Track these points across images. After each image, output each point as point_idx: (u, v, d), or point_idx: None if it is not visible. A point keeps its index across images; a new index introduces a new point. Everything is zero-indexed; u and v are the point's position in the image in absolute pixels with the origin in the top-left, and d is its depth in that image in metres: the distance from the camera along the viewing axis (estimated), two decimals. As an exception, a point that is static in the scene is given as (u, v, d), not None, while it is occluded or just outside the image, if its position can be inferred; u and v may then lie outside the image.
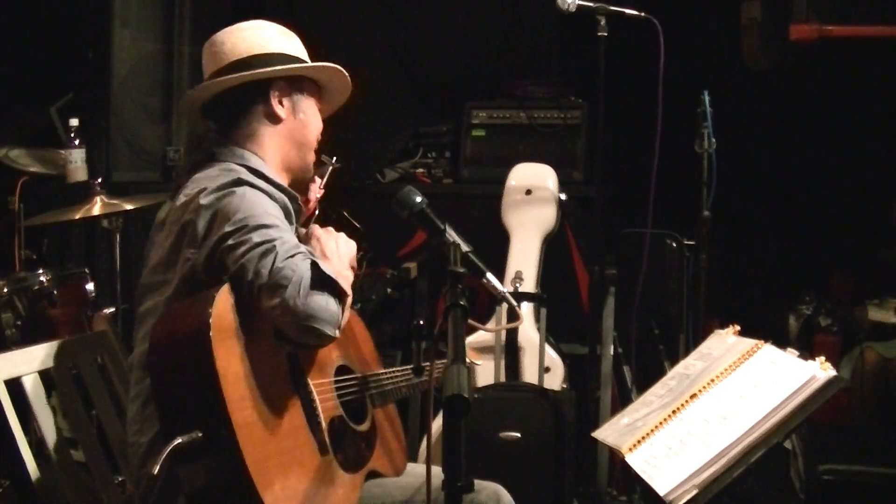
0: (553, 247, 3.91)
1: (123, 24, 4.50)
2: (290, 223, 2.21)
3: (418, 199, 2.21)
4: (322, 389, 2.21)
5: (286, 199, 2.22)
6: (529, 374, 3.62)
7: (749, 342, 2.22)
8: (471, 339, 3.62)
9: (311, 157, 2.39)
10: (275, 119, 2.30)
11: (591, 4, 3.39)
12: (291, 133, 2.32)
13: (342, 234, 2.31)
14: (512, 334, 3.64)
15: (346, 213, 4.46)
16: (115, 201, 3.76)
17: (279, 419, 2.03)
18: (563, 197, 3.87)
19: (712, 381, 2.14)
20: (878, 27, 3.79)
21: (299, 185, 2.38)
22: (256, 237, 2.02)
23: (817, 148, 4.43)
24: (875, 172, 4.35)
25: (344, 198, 4.64)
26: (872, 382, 3.96)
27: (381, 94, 4.82)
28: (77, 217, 3.74)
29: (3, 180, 4.28)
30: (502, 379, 3.61)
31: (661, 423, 2.10)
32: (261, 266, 1.99)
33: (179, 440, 1.90)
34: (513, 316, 3.31)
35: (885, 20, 3.78)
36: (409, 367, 2.48)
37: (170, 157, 4.58)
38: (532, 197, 3.87)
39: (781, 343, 2.21)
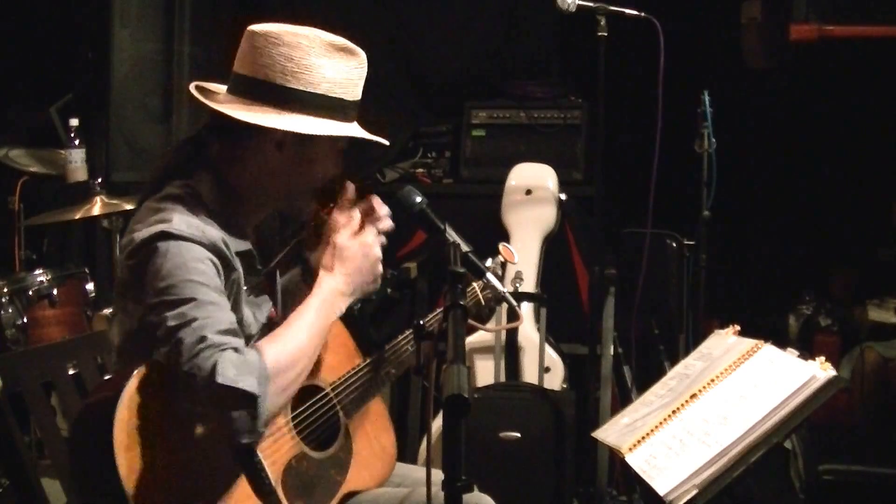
0: (553, 247, 3.91)
1: (123, 24, 4.51)
2: (231, 268, 2.04)
3: (418, 199, 2.21)
4: (274, 438, 2.08)
5: (219, 244, 2.00)
6: (529, 374, 3.62)
7: (749, 342, 2.22)
8: (471, 339, 3.62)
9: (303, 203, 2.19)
10: (269, 159, 2.10)
11: (591, 4, 3.38)
12: (286, 177, 2.12)
13: (369, 241, 2.14)
14: (512, 334, 3.64)
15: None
16: (115, 201, 3.77)
17: None
18: (563, 197, 3.87)
19: (712, 381, 2.14)
20: (878, 27, 3.79)
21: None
22: (171, 319, 1.89)
23: (817, 148, 4.43)
24: (875, 172, 4.35)
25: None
26: (872, 382, 3.96)
27: (381, 94, 4.82)
28: (77, 217, 3.75)
29: (3, 180, 4.29)
30: (502, 379, 3.61)
31: (661, 423, 2.10)
32: (176, 359, 1.87)
33: None
34: (513, 316, 3.30)
35: (885, 20, 3.78)
36: (403, 336, 2.37)
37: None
38: (532, 197, 3.87)
39: (781, 343, 2.20)
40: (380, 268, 2.17)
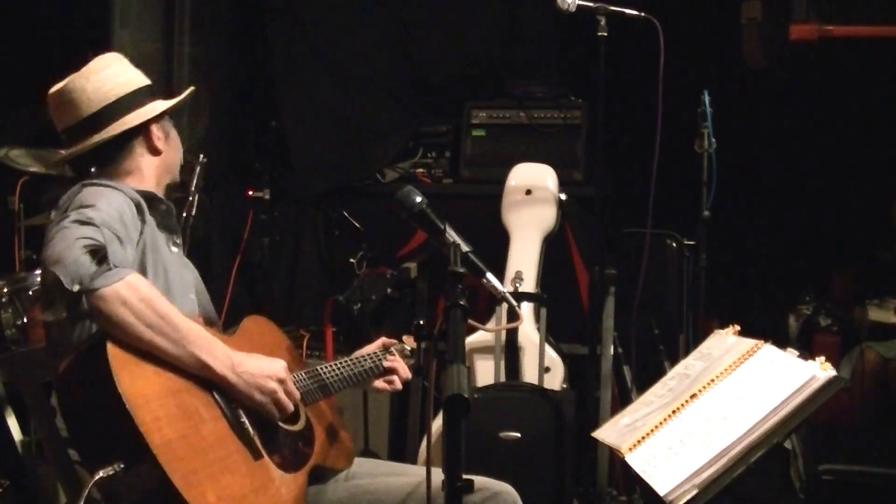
0: (553, 247, 3.91)
1: (123, 24, 4.50)
2: (141, 216, 2.25)
3: (418, 199, 2.21)
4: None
5: (139, 197, 2.27)
6: (529, 374, 3.62)
7: (749, 342, 2.22)
8: (471, 339, 3.62)
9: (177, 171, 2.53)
10: (156, 152, 2.41)
11: (591, 4, 3.39)
12: (168, 158, 2.45)
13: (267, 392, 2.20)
14: (512, 334, 3.63)
15: (345, 213, 4.46)
16: (115, 201, 3.75)
17: (201, 432, 2.02)
18: (563, 197, 3.87)
19: (712, 381, 2.14)
20: (878, 27, 3.79)
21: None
22: (70, 213, 2.09)
23: (817, 148, 4.43)
24: (875, 172, 4.35)
25: (344, 198, 4.64)
26: (872, 382, 3.96)
27: (381, 94, 4.81)
28: (77, 217, 3.73)
29: (3, 180, 4.28)
30: (502, 379, 3.61)
31: (661, 423, 2.10)
32: (56, 222, 2.08)
33: (101, 474, 1.90)
34: (513, 316, 3.31)
35: (885, 20, 3.78)
36: (341, 360, 2.50)
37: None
38: (532, 197, 3.87)
39: (781, 343, 2.21)
40: (254, 391, 2.17)
